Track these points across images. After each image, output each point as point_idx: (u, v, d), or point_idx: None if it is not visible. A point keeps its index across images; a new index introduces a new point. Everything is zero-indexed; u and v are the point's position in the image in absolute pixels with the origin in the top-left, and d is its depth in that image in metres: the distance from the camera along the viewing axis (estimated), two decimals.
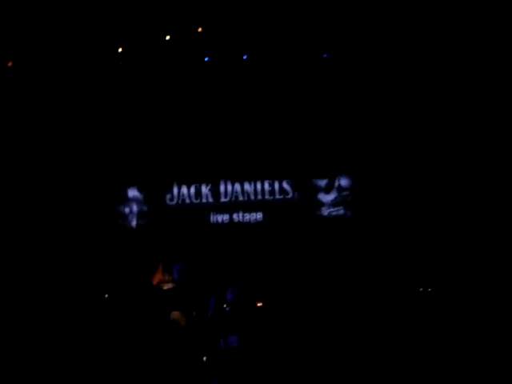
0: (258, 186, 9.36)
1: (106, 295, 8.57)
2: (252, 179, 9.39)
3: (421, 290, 8.47)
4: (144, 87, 9.51)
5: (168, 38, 8.40)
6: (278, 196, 9.33)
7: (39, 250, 8.83)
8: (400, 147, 9.09)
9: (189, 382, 6.74)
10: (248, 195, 9.37)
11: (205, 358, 7.30)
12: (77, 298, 8.47)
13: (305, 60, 9.25)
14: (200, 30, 8.28)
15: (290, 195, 9.31)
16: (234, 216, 9.33)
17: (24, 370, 7.02)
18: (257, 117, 9.39)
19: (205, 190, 9.41)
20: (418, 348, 7.17)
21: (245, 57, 9.20)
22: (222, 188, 9.39)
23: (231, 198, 9.38)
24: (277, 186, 9.33)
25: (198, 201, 9.41)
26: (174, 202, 9.46)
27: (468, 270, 8.21)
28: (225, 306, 8.06)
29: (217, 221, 9.34)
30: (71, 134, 9.37)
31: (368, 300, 8.20)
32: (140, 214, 9.52)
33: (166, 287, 7.49)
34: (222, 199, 9.39)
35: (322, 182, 9.28)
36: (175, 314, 7.47)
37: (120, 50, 8.67)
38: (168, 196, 9.47)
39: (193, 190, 9.43)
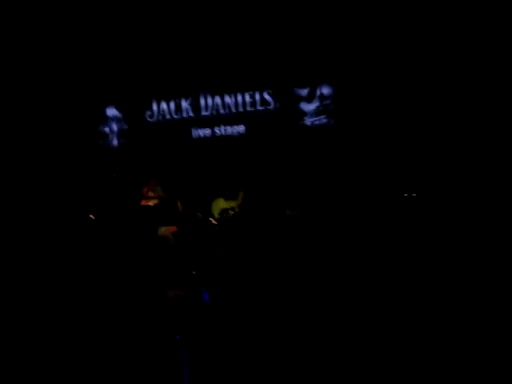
0: (239, 97, 9.20)
1: (91, 215, 8.56)
2: (232, 91, 9.22)
3: (405, 195, 8.52)
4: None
5: None
6: (259, 107, 9.19)
7: (22, 171, 8.74)
8: (381, 52, 8.90)
9: (179, 296, 6.83)
10: (229, 108, 9.23)
11: (194, 272, 7.41)
12: (61, 220, 8.48)
13: None
14: None
15: (271, 106, 9.17)
16: (216, 129, 9.23)
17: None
18: (235, 25, 9.10)
19: (185, 104, 9.27)
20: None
21: None
22: (202, 102, 9.25)
23: (212, 111, 9.24)
24: (258, 97, 9.17)
25: (179, 116, 9.29)
26: (154, 118, 9.35)
27: (452, 175, 8.24)
28: (210, 219, 8.09)
29: (198, 135, 9.26)
30: (49, 51, 9.09)
31: (354, 207, 8.27)
32: (121, 133, 9.41)
33: (151, 203, 7.45)
34: (203, 113, 9.26)
35: (304, 91, 9.12)
36: (163, 230, 7.48)
37: None
38: (148, 113, 9.35)
39: (172, 105, 9.29)
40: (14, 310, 6.09)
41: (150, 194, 7.63)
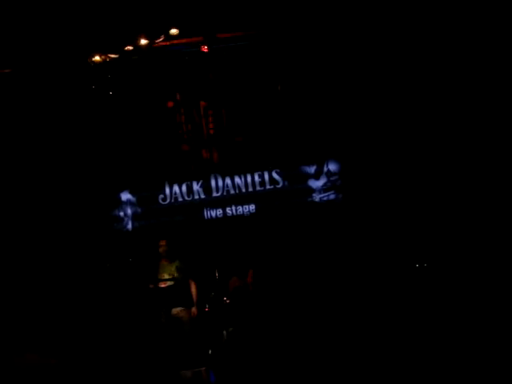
0: (249, 178, 9.46)
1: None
2: (242, 172, 9.48)
3: (417, 265, 8.55)
4: (129, 91, 9.61)
5: (144, 42, 8.46)
6: (268, 186, 9.42)
7: (36, 256, 8.89)
8: (385, 128, 9.16)
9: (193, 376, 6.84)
10: (239, 188, 9.46)
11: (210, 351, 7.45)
12: (77, 302, 8.57)
13: (289, 46, 9.26)
14: (175, 31, 8.34)
15: (280, 184, 9.40)
16: (227, 210, 9.43)
17: None
18: (242, 108, 9.48)
19: (196, 186, 9.50)
20: (413, 328, 7.19)
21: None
22: (213, 183, 9.49)
23: (223, 192, 9.47)
24: (267, 176, 9.42)
25: (191, 198, 9.52)
26: (167, 201, 9.56)
27: (459, 249, 8.28)
28: (225, 298, 8.17)
29: (210, 216, 9.45)
30: (63, 140, 9.44)
31: (363, 282, 8.29)
32: (135, 217, 9.62)
33: (163, 285, 7.57)
34: (214, 194, 9.49)
35: (311, 169, 9.36)
36: (177, 311, 7.57)
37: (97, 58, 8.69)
38: (160, 196, 9.57)
39: (184, 187, 9.53)
40: None
41: (165, 275, 7.73)
